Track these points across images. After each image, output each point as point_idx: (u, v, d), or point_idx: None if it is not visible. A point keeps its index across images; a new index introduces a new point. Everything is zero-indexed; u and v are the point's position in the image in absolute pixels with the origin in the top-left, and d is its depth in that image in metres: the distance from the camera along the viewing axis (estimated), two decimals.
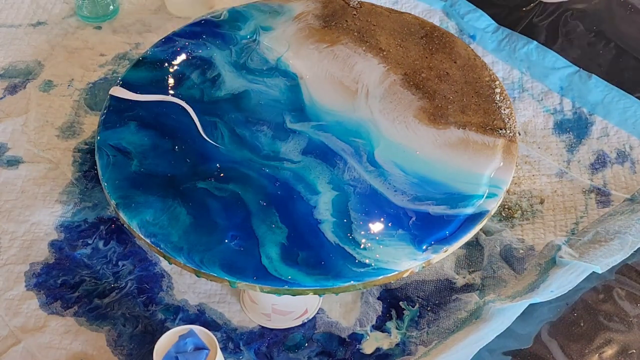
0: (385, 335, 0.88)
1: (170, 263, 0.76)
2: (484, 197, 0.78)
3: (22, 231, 0.97)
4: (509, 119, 0.85)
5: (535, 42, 1.11)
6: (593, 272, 0.84)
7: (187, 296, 0.91)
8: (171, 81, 0.91)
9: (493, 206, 0.78)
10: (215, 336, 0.78)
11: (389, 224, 0.77)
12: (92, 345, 0.87)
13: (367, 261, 0.74)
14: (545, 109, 1.07)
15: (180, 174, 0.81)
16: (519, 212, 0.97)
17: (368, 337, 0.88)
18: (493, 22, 1.16)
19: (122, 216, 0.78)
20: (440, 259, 0.77)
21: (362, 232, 0.76)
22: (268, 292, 0.73)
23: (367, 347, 0.87)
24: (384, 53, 0.93)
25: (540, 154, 1.03)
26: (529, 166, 1.02)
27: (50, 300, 0.91)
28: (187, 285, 0.92)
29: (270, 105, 0.88)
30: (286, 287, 0.73)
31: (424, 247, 0.75)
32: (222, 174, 0.81)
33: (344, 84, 0.90)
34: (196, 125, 0.86)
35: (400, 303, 0.90)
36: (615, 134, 1.03)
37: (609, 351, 0.82)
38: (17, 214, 0.99)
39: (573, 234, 0.94)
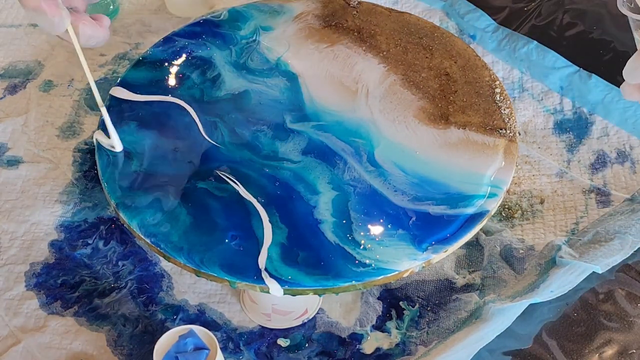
0: (385, 335, 0.88)
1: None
2: (484, 197, 0.78)
3: (22, 231, 0.97)
4: (509, 119, 0.85)
5: (535, 42, 1.11)
6: (593, 272, 0.84)
7: (187, 296, 0.91)
8: (171, 81, 0.91)
9: (493, 206, 0.78)
10: (215, 336, 0.78)
11: (389, 224, 0.77)
12: (92, 345, 0.87)
13: (367, 261, 0.74)
14: (545, 109, 1.07)
15: (180, 174, 0.81)
16: (519, 212, 0.97)
17: (368, 337, 0.88)
18: (493, 22, 1.16)
19: (122, 216, 0.78)
20: (441, 259, 0.77)
21: (362, 232, 0.76)
22: (268, 292, 0.73)
23: (367, 347, 0.87)
24: (384, 53, 0.93)
25: (540, 154, 1.03)
26: (529, 166, 1.02)
27: (50, 300, 0.91)
28: (187, 285, 0.92)
29: (270, 105, 0.88)
30: (286, 287, 0.73)
31: (424, 247, 0.75)
32: (222, 174, 0.81)
33: (344, 84, 0.90)
34: (196, 125, 0.86)
35: (400, 303, 0.90)
36: (615, 133, 1.03)
37: (609, 351, 0.82)
38: (17, 214, 0.99)
39: (573, 234, 0.94)
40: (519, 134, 1.03)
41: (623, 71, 0.69)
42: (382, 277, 0.74)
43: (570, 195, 0.98)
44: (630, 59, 0.67)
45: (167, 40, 0.96)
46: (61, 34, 0.75)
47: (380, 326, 0.88)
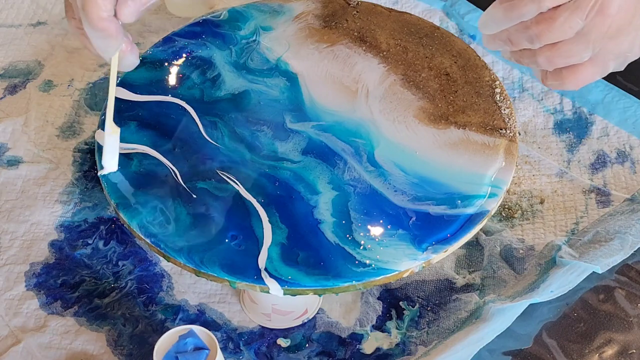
0: (385, 335, 0.88)
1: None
2: (484, 197, 0.78)
3: (22, 231, 0.97)
4: (509, 119, 0.85)
5: None
6: (593, 272, 0.84)
7: (187, 296, 0.91)
8: (171, 81, 0.91)
9: (493, 206, 0.78)
10: (215, 336, 0.78)
11: (389, 224, 0.77)
12: (92, 345, 0.87)
13: (367, 261, 0.74)
14: (545, 109, 1.07)
15: (180, 174, 0.81)
16: (519, 212, 0.97)
17: (368, 337, 0.88)
18: None
19: (122, 216, 0.78)
20: (441, 259, 0.77)
21: (362, 232, 0.76)
22: (268, 292, 0.73)
23: (367, 347, 0.87)
24: (384, 53, 0.93)
25: (540, 153, 1.03)
26: (529, 166, 1.02)
27: (50, 300, 0.91)
28: (187, 285, 0.92)
29: (271, 105, 0.88)
30: (286, 287, 0.73)
31: (424, 247, 0.75)
32: (222, 174, 0.81)
33: (344, 84, 0.90)
34: (197, 125, 0.86)
35: (400, 303, 0.90)
36: (615, 133, 1.03)
37: (609, 351, 0.82)
38: (17, 214, 0.99)
39: (573, 234, 0.94)
40: (519, 134, 1.03)
41: (478, 22, 0.73)
42: (382, 277, 0.74)
43: (570, 195, 0.98)
44: (486, 10, 0.71)
45: (167, 40, 0.96)
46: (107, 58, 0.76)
47: (380, 326, 0.88)
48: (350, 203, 0.79)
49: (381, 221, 0.77)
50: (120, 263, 0.94)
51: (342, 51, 0.93)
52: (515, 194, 0.99)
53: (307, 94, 0.89)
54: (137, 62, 0.79)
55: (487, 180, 0.80)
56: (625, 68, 1.03)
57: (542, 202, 0.98)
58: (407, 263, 0.74)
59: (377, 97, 0.88)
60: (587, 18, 0.66)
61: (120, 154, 0.83)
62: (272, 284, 0.73)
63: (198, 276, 0.75)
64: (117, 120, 0.86)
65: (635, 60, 1.10)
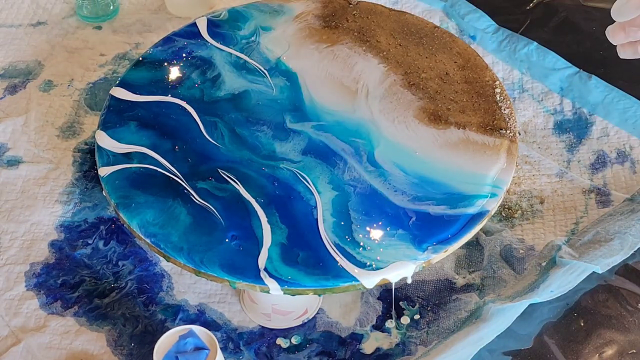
0: (385, 335, 0.88)
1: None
2: (484, 197, 0.78)
3: (22, 231, 0.97)
4: (509, 119, 0.85)
5: (535, 43, 1.11)
6: (593, 272, 0.84)
7: (187, 296, 0.91)
8: (171, 81, 0.91)
9: (493, 206, 0.78)
10: (215, 336, 0.78)
11: (389, 224, 0.77)
12: (92, 345, 0.87)
13: (367, 262, 0.74)
14: (545, 109, 1.07)
15: (180, 173, 0.81)
16: (519, 212, 0.97)
17: (368, 337, 0.88)
18: (493, 22, 1.16)
19: (122, 216, 0.78)
20: (440, 259, 0.77)
21: (362, 232, 0.76)
22: (268, 292, 0.73)
23: (367, 347, 0.87)
24: (384, 53, 0.93)
25: (540, 154, 1.03)
26: (529, 166, 1.02)
27: (50, 300, 0.91)
28: (187, 285, 0.92)
29: (270, 105, 0.88)
30: (286, 287, 0.73)
31: (425, 248, 0.75)
32: (222, 174, 0.81)
33: (344, 84, 0.90)
34: (197, 125, 0.86)
35: (400, 303, 0.90)
36: (615, 134, 1.03)
37: (609, 351, 0.82)
38: (17, 214, 0.99)
39: (573, 234, 0.94)
40: (519, 134, 1.03)
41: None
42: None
43: (570, 195, 0.98)
44: None
45: (167, 40, 0.96)
46: None
47: (380, 326, 0.88)
48: (350, 203, 0.79)
49: (381, 221, 0.77)
50: (120, 263, 0.94)
51: (342, 51, 0.93)
52: (515, 194, 0.99)
53: (307, 94, 0.89)
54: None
55: (487, 180, 0.80)
56: (626, 70, 1.03)
57: (542, 202, 0.98)
58: (407, 263, 0.74)
59: (377, 97, 0.88)
60: None
61: (120, 154, 0.83)
62: (272, 284, 0.73)
63: (198, 276, 0.75)
64: (117, 120, 0.86)
65: (635, 62, 1.11)
